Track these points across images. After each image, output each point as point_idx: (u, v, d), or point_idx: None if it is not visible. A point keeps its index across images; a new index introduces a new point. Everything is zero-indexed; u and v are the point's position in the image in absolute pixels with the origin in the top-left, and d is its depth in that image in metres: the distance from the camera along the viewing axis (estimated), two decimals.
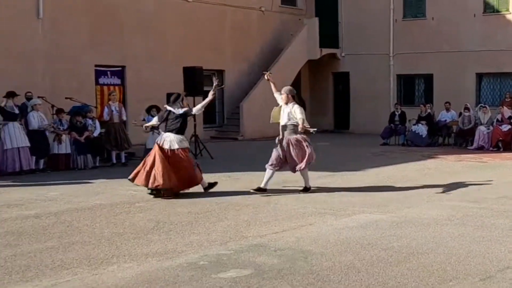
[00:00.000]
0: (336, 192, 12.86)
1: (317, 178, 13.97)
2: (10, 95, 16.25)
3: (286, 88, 12.86)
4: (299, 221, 10.05)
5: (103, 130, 18.28)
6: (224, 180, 14.63)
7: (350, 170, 16.35)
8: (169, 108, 12.61)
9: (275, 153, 12.60)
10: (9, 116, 16.00)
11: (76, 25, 22.31)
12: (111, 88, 22.76)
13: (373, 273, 7.19)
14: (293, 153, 12.54)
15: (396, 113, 24.81)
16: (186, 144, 12.59)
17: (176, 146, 12.30)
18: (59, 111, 17.32)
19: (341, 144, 24.52)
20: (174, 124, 12.47)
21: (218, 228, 9.58)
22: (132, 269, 7.44)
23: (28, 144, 16.19)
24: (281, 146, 12.58)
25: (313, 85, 31.40)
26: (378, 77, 29.36)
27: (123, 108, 18.70)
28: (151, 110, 18.35)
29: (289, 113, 12.51)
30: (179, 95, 12.97)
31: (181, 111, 12.55)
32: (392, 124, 24.55)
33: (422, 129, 23.62)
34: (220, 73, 27.45)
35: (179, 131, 12.49)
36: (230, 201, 11.85)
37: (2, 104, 16.15)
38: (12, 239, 8.84)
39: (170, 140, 12.34)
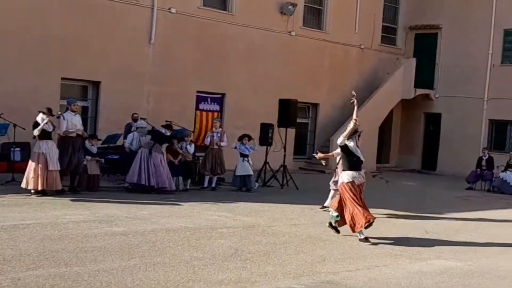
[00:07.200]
0: (414, 235, 12.85)
1: (395, 219, 13.97)
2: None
3: None
4: (374, 261, 10.12)
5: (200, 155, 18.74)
6: (307, 212, 14.94)
7: (432, 213, 16.25)
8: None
9: None
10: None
11: (184, 51, 23.21)
12: (215, 114, 23.44)
13: None
14: None
15: (484, 157, 24.35)
16: None
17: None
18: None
19: (427, 185, 24.41)
20: None
21: (293, 260, 9.75)
22: None
23: None
24: None
25: (404, 124, 31.38)
26: (470, 121, 29.05)
27: (225, 135, 18.96)
28: (243, 138, 18.81)
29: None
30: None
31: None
32: (478, 169, 24.18)
33: (510, 176, 23.21)
34: (314, 106, 27.86)
35: None
36: (309, 234, 12.05)
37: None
38: (99, 255, 9.25)
39: None
